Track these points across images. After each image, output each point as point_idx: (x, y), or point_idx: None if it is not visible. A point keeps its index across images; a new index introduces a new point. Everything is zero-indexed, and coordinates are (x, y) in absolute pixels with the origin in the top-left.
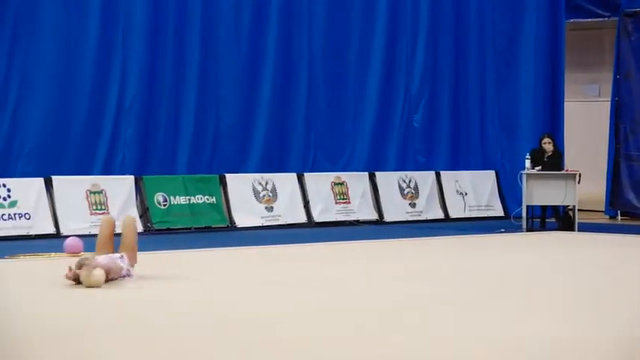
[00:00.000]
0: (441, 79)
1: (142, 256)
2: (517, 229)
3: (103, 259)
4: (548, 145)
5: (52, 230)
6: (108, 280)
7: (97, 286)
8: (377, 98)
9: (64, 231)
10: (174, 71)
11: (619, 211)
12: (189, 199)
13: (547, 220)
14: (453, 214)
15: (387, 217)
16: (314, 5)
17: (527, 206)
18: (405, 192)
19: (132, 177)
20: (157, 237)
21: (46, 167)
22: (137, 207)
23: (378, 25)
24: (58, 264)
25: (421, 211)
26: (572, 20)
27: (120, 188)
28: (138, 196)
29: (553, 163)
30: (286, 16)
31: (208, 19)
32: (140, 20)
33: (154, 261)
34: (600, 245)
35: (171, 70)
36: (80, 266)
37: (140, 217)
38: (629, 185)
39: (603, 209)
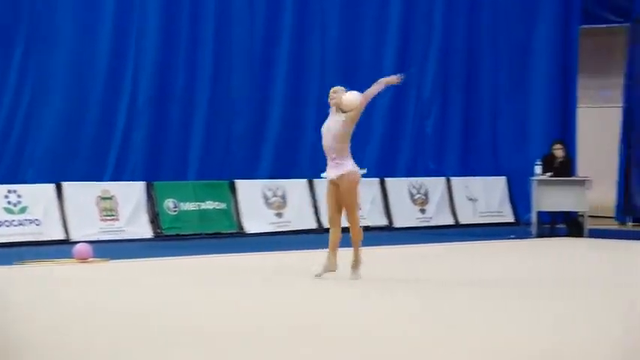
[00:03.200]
0: (452, 85)
1: (153, 263)
2: (527, 235)
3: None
4: (559, 152)
5: (61, 236)
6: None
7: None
8: (388, 104)
9: (73, 237)
10: (185, 77)
11: (629, 218)
12: (199, 205)
13: (557, 226)
14: (462, 220)
15: (397, 223)
16: (327, 12)
17: (538, 212)
18: (415, 198)
19: (142, 183)
20: (166, 243)
21: (56, 173)
22: (147, 213)
23: (390, 31)
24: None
25: (431, 217)
26: (584, 26)
27: (130, 194)
28: (148, 202)
29: (564, 170)
30: (299, 22)
31: (220, 25)
32: (152, 28)
33: (162, 267)
34: (609, 251)
35: (182, 76)
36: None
37: (150, 222)
38: None
39: (614, 215)
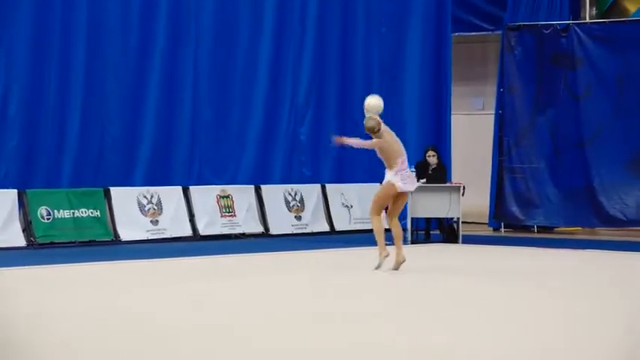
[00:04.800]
0: (326, 92)
1: (26, 271)
2: (403, 241)
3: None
4: (432, 158)
5: None
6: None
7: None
8: (262, 111)
9: None
10: (58, 84)
11: (502, 223)
12: (73, 213)
13: (431, 232)
14: (338, 227)
15: (273, 230)
16: (201, 18)
17: (412, 218)
18: (291, 205)
19: (15, 191)
20: (40, 251)
21: None
22: (20, 221)
23: (264, 38)
24: None
25: (307, 224)
26: (457, 34)
27: (2, 202)
28: (21, 210)
29: (437, 176)
30: (173, 29)
31: (94, 31)
32: (24, 32)
33: (37, 276)
34: (480, 256)
35: (55, 82)
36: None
37: (23, 231)
38: (513, 197)
39: (487, 221)
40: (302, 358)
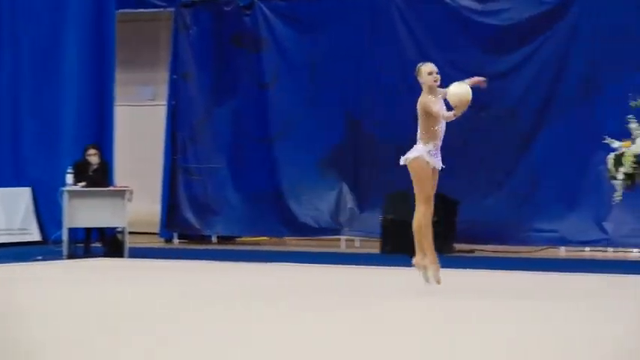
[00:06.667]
0: None
1: None
2: (57, 255)
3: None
4: (93, 157)
5: None
6: None
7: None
8: None
9: None
10: None
11: (176, 233)
12: None
13: (92, 244)
14: None
15: None
16: None
17: (70, 229)
18: None
19: None
20: None
21: None
22: None
23: None
24: None
25: None
26: (122, 10)
27: None
28: None
29: (99, 178)
30: None
31: None
32: None
33: None
34: (148, 272)
35: None
36: None
37: None
38: (188, 203)
39: (159, 231)
40: None
